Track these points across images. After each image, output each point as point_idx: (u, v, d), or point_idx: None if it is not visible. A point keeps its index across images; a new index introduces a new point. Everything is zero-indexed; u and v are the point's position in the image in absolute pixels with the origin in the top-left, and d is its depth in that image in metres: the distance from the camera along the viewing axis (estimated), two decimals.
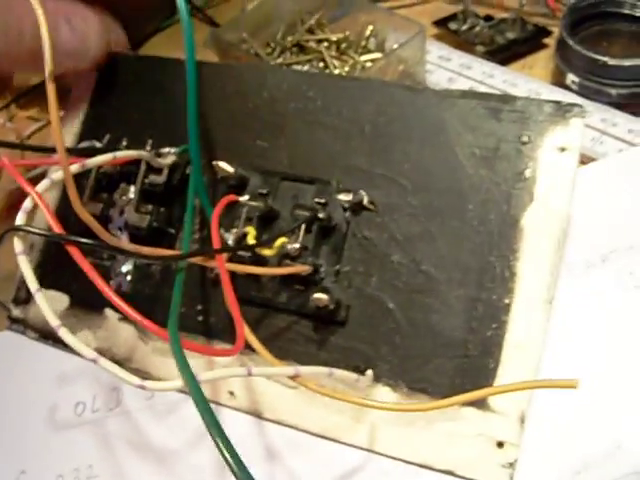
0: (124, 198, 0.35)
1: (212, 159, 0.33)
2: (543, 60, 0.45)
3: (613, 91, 0.40)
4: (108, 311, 0.36)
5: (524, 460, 0.29)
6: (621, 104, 0.40)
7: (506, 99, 0.30)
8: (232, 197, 0.32)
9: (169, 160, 0.34)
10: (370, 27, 0.43)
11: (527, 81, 0.42)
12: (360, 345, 0.31)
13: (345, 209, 0.32)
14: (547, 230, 0.29)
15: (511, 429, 0.28)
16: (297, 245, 0.31)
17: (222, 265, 0.30)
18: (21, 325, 0.38)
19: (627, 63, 0.39)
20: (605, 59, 0.39)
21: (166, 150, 0.34)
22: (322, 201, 0.32)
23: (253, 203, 0.32)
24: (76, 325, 0.36)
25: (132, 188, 0.35)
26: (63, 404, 0.35)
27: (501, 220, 0.30)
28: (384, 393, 0.30)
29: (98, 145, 0.36)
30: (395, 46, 0.42)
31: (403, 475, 0.30)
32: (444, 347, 0.30)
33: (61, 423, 0.35)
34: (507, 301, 0.29)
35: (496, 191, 0.30)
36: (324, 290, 0.31)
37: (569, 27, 0.42)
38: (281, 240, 0.31)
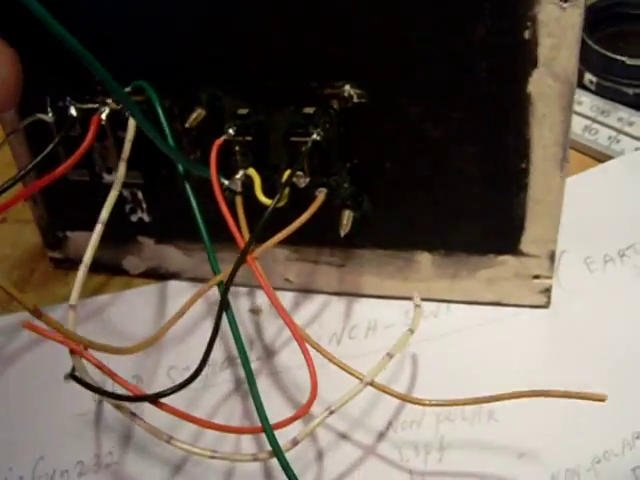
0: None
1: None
2: None
3: (630, 91, 0.40)
4: (141, 238, 0.38)
5: (543, 447, 0.30)
6: (638, 103, 0.40)
7: None
8: (219, 141, 0.31)
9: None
10: None
11: None
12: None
13: (338, 113, 0.30)
14: (554, 96, 0.28)
15: (543, 265, 0.33)
16: (307, 179, 0.30)
17: (256, 269, 0.30)
18: (67, 263, 0.40)
19: None
20: (623, 59, 0.40)
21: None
22: (311, 114, 0.30)
23: (243, 138, 0.31)
24: (118, 254, 0.39)
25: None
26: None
27: (506, 90, 0.28)
28: (424, 256, 0.34)
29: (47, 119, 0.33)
30: None
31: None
32: (470, 213, 0.32)
33: (82, 409, 0.35)
34: (524, 166, 0.30)
35: (495, 58, 0.28)
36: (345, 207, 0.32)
37: (587, 28, 0.42)
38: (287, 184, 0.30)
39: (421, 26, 0.28)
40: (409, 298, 0.34)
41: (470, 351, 0.34)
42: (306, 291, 0.37)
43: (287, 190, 0.30)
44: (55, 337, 0.27)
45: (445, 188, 0.32)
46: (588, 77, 0.41)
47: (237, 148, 0.31)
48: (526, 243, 0.32)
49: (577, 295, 0.34)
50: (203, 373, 0.28)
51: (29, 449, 0.34)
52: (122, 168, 0.33)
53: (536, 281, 0.33)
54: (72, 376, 0.28)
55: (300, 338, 0.29)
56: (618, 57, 0.40)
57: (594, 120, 0.41)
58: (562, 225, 0.36)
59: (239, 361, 0.29)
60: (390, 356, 0.30)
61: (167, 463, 0.32)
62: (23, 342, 0.38)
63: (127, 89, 0.32)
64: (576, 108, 0.41)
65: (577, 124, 0.41)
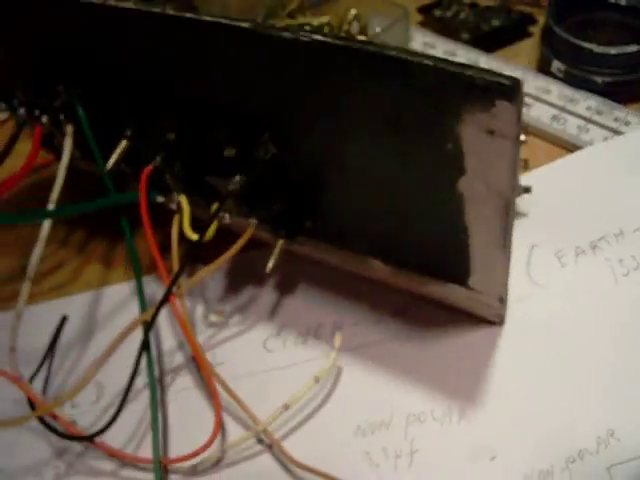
0: None
1: None
2: (528, 48, 0.44)
3: (599, 79, 0.40)
4: None
5: (515, 448, 0.29)
6: (607, 92, 0.40)
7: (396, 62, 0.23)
8: (148, 170, 0.31)
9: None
10: (353, 11, 0.42)
11: (513, 68, 0.42)
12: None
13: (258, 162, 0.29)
14: (488, 200, 0.26)
15: (493, 303, 0.31)
16: (231, 217, 0.30)
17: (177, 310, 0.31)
18: None
19: (613, 51, 0.39)
20: (591, 47, 0.39)
21: None
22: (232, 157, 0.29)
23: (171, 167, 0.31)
24: None
25: None
26: None
27: (440, 186, 0.26)
28: (377, 263, 0.32)
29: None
30: (378, 30, 0.41)
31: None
32: (415, 246, 0.30)
33: None
34: (462, 237, 0.28)
35: (416, 156, 0.26)
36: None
37: (555, 15, 0.41)
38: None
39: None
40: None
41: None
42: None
43: (214, 226, 0.30)
44: None
45: (383, 221, 0.30)
46: (556, 65, 0.41)
47: (167, 175, 0.31)
48: (474, 283, 0.30)
49: (548, 289, 0.33)
50: None
51: None
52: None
53: (489, 309, 0.32)
54: None
55: (209, 375, 0.31)
56: (587, 45, 0.39)
57: (562, 109, 0.40)
58: (532, 218, 0.36)
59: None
60: (286, 407, 0.30)
61: None
62: None
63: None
64: (544, 97, 0.40)
65: (545, 113, 0.40)
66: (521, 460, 0.29)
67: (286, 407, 0.30)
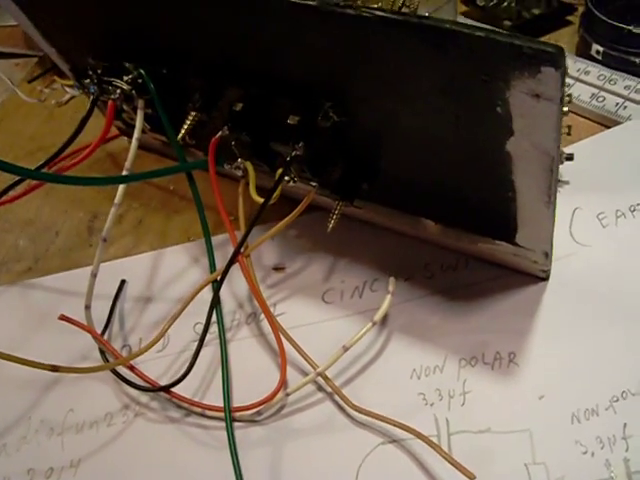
0: None
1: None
2: (567, 36, 0.47)
3: (637, 59, 0.42)
4: None
5: (562, 389, 0.31)
6: None
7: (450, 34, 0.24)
8: (215, 139, 0.33)
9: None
10: None
11: None
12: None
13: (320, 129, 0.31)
14: (533, 158, 0.27)
15: (539, 257, 0.33)
16: (295, 181, 0.32)
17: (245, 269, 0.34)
18: None
19: None
20: (630, 27, 0.41)
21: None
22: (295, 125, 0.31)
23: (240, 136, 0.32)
24: None
25: None
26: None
27: (488, 145, 0.28)
28: (428, 222, 0.35)
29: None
30: (426, 14, 0.43)
31: None
32: (465, 204, 0.32)
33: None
34: (510, 195, 0.30)
35: (468, 119, 0.28)
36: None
37: (595, 1, 0.44)
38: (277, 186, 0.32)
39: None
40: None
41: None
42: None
43: (279, 189, 0.32)
44: None
45: (436, 183, 0.32)
46: (595, 48, 0.43)
47: (233, 143, 0.33)
48: (520, 239, 0.33)
49: (591, 247, 0.35)
50: None
51: None
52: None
53: (534, 265, 0.34)
54: None
55: (273, 325, 0.33)
56: (624, 26, 0.41)
57: (601, 88, 0.42)
58: (574, 184, 0.38)
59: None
60: (345, 348, 0.32)
61: None
62: None
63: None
64: (584, 77, 0.43)
65: (585, 92, 0.42)
66: (568, 399, 0.31)
67: (345, 348, 0.32)
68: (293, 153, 0.31)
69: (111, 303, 0.38)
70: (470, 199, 0.32)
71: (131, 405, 0.35)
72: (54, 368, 0.28)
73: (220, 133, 0.32)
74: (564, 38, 0.47)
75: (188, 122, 0.33)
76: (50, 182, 0.28)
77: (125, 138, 0.45)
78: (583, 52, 0.44)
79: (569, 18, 0.48)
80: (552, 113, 0.24)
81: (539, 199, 0.29)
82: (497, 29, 0.22)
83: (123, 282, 0.39)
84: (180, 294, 0.38)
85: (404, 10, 0.45)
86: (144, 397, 0.35)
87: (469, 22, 0.48)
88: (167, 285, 0.39)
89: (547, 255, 0.33)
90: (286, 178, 0.32)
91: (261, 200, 0.32)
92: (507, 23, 0.47)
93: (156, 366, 0.36)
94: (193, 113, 0.33)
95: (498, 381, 0.32)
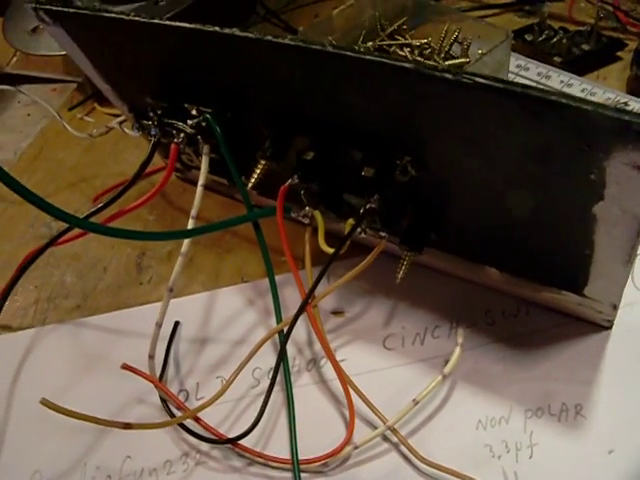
0: None
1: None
2: (617, 72, 0.46)
3: None
4: None
5: (633, 442, 0.31)
6: None
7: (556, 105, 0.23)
8: (285, 187, 0.33)
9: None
10: (456, 32, 0.45)
11: (605, 90, 0.44)
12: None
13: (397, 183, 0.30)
14: (619, 222, 0.27)
15: (606, 309, 0.33)
16: (366, 232, 0.32)
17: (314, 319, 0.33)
18: None
19: None
20: None
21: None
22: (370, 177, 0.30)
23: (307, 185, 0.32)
24: None
25: None
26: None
27: (571, 208, 0.28)
28: (493, 270, 0.35)
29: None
30: (481, 51, 0.43)
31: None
32: (534, 258, 0.32)
33: None
34: (587, 252, 0.30)
35: (558, 183, 0.27)
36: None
37: None
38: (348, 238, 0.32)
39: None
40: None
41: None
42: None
43: (349, 240, 0.32)
44: None
45: (511, 237, 0.32)
46: None
47: (302, 192, 0.33)
48: (589, 292, 0.32)
49: None
50: None
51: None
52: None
53: (599, 315, 0.34)
54: None
55: (341, 375, 0.33)
56: None
57: None
58: None
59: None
60: (415, 402, 0.32)
61: None
62: None
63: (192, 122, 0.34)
64: None
65: None
66: (637, 454, 0.30)
67: (415, 402, 0.32)
68: (368, 206, 0.30)
69: (166, 346, 0.37)
70: (542, 252, 0.32)
71: (191, 453, 0.34)
72: (127, 426, 0.28)
73: (289, 181, 0.32)
74: (613, 74, 0.46)
75: (258, 171, 0.32)
76: (107, 235, 0.28)
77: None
78: (635, 88, 0.44)
79: (619, 54, 0.47)
80: None
81: (619, 259, 0.29)
82: (603, 103, 0.22)
83: (177, 323, 0.39)
84: (236, 336, 0.38)
85: (455, 47, 0.45)
86: (205, 445, 0.34)
87: (519, 59, 0.47)
88: (223, 327, 0.39)
89: (615, 307, 0.33)
90: (358, 230, 0.32)
91: (331, 251, 0.32)
92: (557, 59, 0.46)
93: (215, 413, 0.35)
94: (263, 162, 0.32)
95: (566, 434, 0.32)
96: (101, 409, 0.36)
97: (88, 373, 0.38)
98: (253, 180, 0.32)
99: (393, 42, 0.46)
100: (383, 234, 0.32)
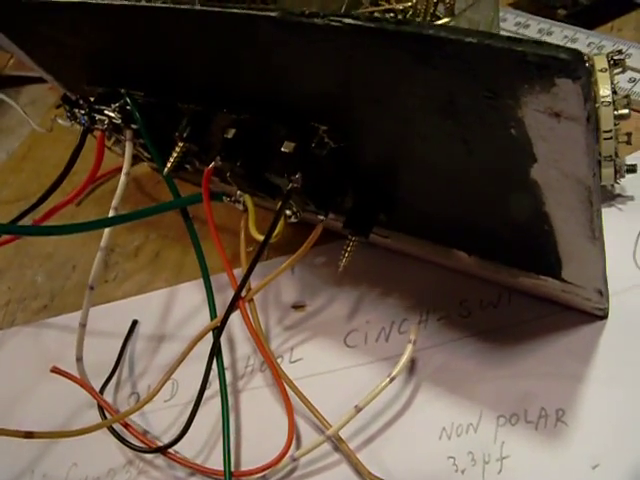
0: None
1: None
2: (634, 21, 0.40)
3: None
4: None
5: (620, 456, 0.26)
6: None
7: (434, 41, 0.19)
8: (209, 169, 0.30)
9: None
10: None
11: (615, 42, 0.38)
12: None
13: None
14: (565, 188, 0.22)
15: (592, 295, 0.28)
16: (298, 215, 0.29)
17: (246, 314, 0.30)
18: None
19: None
20: None
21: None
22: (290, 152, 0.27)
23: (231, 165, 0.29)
24: None
25: None
26: None
27: (508, 174, 0.24)
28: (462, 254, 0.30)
29: None
30: (463, 6, 0.38)
31: None
32: (502, 241, 0.28)
33: None
34: (547, 228, 0.25)
35: (478, 143, 0.23)
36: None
37: None
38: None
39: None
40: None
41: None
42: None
43: (280, 225, 0.28)
44: None
45: (459, 211, 0.28)
46: None
47: (229, 174, 0.30)
48: (567, 276, 0.27)
49: None
50: None
51: None
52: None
53: (588, 302, 0.29)
54: None
55: (280, 383, 0.30)
56: None
57: None
58: (638, 200, 0.32)
59: None
60: (358, 409, 0.28)
61: None
62: None
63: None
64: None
65: None
66: (627, 470, 0.25)
67: (358, 409, 0.28)
68: (290, 185, 0.27)
69: (121, 346, 0.35)
70: (502, 230, 0.27)
71: (135, 461, 0.32)
72: (29, 434, 0.26)
73: (213, 164, 0.29)
74: (629, 25, 0.40)
75: (175, 154, 0.29)
76: (24, 235, 0.26)
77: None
78: None
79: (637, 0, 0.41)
80: (579, 135, 0.19)
81: (581, 234, 0.24)
82: (494, 33, 0.18)
83: (135, 322, 0.36)
84: (194, 334, 0.35)
85: (440, 6, 0.41)
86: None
87: (520, 17, 0.42)
88: (180, 325, 0.36)
89: (601, 293, 0.28)
90: (287, 212, 0.28)
91: (261, 237, 0.28)
92: (561, 12, 0.41)
93: (164, 417, 0.33)
94: (181, 144, 0.29)
95: (543, 444, 0.27)
96: (57, 413, 0.35)
97: (46, 376, 0.36)
98: (169, 164, 0.29)
99: (376, 8, 0.42)
100: (321, 217, 0.29)
